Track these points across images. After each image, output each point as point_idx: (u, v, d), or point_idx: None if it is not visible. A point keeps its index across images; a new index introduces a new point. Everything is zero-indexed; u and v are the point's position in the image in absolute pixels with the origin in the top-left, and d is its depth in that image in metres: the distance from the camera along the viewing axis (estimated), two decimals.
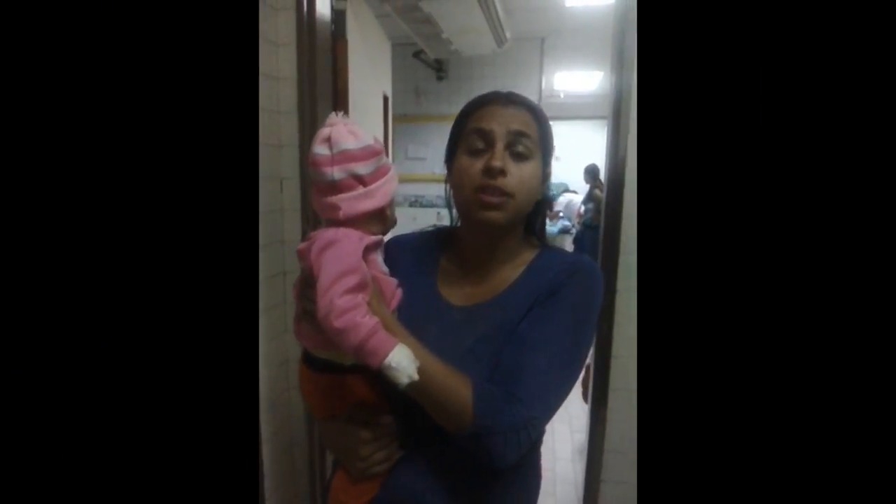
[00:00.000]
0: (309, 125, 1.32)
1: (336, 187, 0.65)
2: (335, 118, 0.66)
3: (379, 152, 0.67)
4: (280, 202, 1.36)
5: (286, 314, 1.41)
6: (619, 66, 1.29)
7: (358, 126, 0.66)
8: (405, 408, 0.66)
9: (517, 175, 0.67)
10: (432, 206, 4.31)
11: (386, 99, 2.18)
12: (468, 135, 0.70)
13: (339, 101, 1.47)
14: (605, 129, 1.40)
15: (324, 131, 0.65)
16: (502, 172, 0.67)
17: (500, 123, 0.68)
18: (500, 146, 0.67)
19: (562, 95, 5.90)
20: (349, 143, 0.63)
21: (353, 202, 0.65)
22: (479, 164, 0.68)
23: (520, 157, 0.68)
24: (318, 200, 0.68)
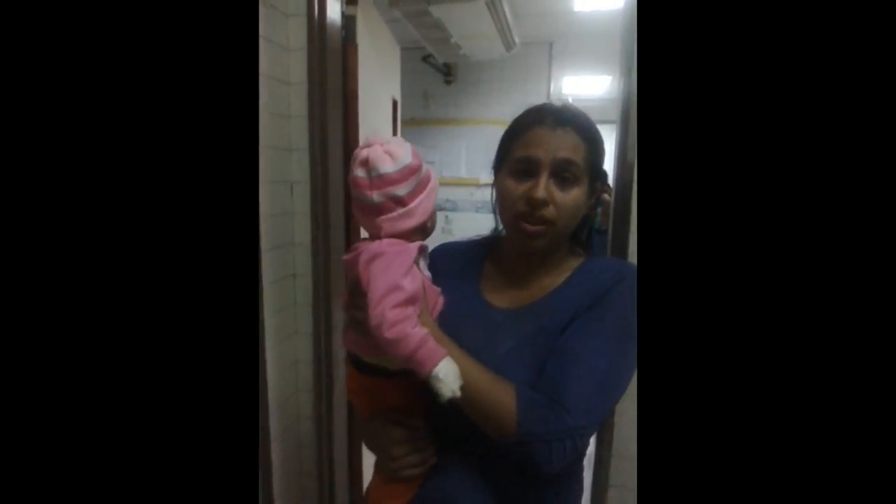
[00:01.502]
0: (319, 129, 1.33)
1: (377, 209, 0.66)
2: (372, 139, 0.66)
3: (417, 169, 0.67)
4: (290, 205, 1.37)
5: (296, 316, 1.42)
6: (626, 71, 1.29)
7: (396, 144, 0.67)
8: (447, 412, 0.66)
9: (560, 203, 0.67)
10: (440, 209, 4.30)
11: (395, 103, 2.20)
12: (514, 157, 0.69)
13: (350, 106, 1.48)
14: (614, 133, 1.40)
15: (361, 153, 0.65)
16: (545, 203, 0.66)
17: (547, 150, 0.67)
18: (544, 176, 0.66)
19: (570, 100, 5.89)
20: (386, 165, 0.64)
21: (394, 223, 0.66)
22: (522, 189, 0.67)
23: (565, 183, 0.67)
24: (360, 219, 0.69)
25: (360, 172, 0.65)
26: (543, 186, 0.66)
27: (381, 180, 0.64)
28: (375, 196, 0.65)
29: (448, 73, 4.17)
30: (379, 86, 1.89)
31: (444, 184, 4.20)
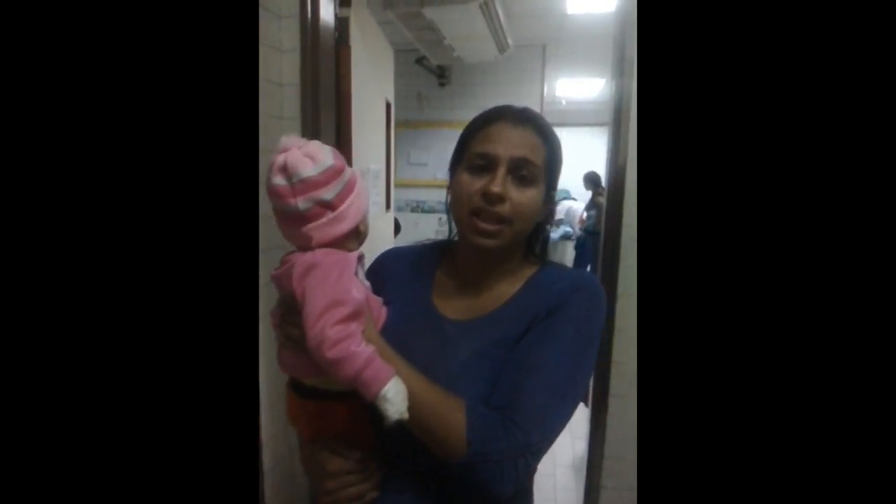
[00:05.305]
0: (312, 131, 1.33)
1: (303, 217, 0.60)
2: (288, 141, 0.61)
3: (341, 170, 0.62)
4: None
5: None
6: (619, 74, 1.30)
7: (314, 145, 0.62)
8: (393, 436, 0.61)
9: (517, 201, 0.65)
10: (433, 211, 4.30)
11: (388, 105, 2.19)
12: (472, 152, 0.67)
13: (343, 108, 1.48)
14: (606, 136, 1.40)
15: (278, 159, 0.60)
16: (500, 199, 0.64)
17: (505, 147, 0.65)
18: (501, 171, 0.64)
19: (563, 102, 5.92)
20: (308, 169, 0.59)
21: (325, 229, 0.61)
22: (478, 184, 0.65)
23: (522, 182, 0.65)
24: (285, 230, 0.64)
25: (278, 180, 0.59)
26: (500, 181, 0.64)
27: (304, 185, 0.59)
28: (301, 203, 0.59)
29: (442, 75, 4.17)
30: (372, 88, 1.89)
31: (437, 186, 4.21)
